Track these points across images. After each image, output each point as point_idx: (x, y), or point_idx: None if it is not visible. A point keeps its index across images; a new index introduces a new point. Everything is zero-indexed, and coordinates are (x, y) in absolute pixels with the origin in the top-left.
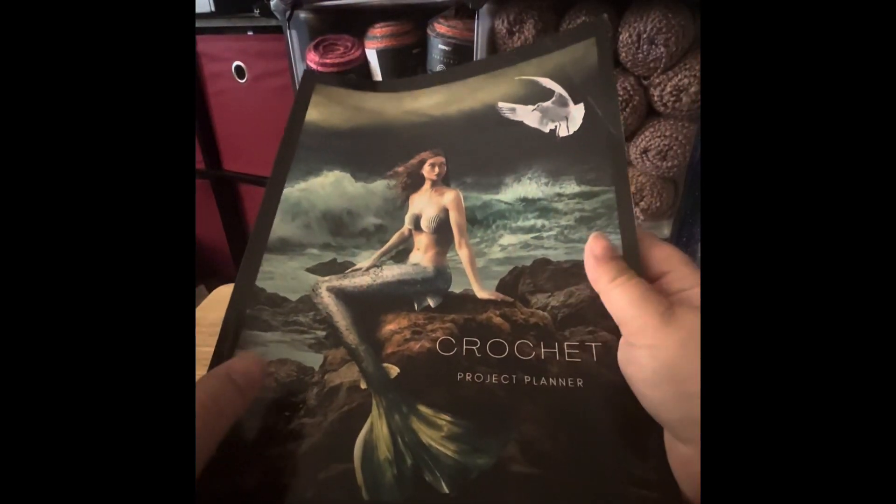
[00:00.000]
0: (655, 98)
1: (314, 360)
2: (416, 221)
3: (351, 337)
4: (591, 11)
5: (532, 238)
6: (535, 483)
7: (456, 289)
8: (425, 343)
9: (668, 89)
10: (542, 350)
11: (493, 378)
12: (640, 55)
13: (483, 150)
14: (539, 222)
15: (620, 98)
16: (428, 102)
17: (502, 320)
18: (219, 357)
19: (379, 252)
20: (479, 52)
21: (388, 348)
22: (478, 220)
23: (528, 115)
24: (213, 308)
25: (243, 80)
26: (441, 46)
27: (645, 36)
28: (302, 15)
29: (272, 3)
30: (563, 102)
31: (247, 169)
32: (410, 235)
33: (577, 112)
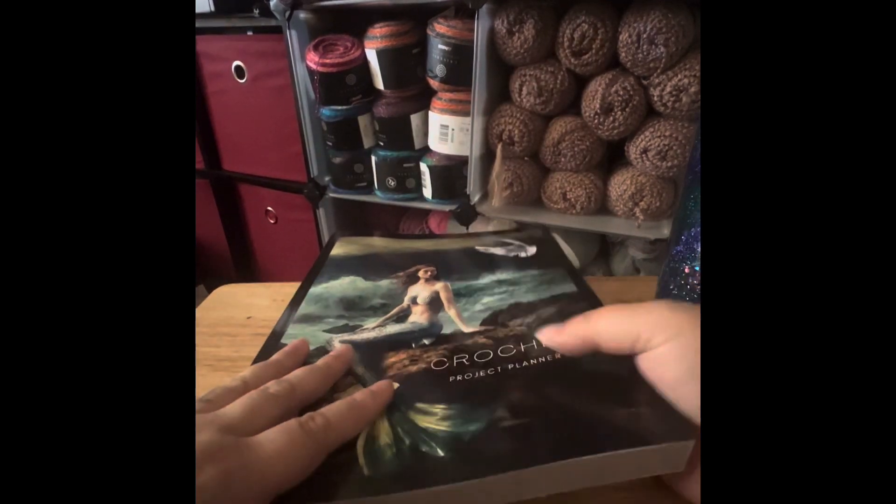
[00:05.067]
0: (655, 98)
1: None
2: (414, 299)
3: (358, 368)
4: (590, 11)
5: (507, 295)
6: (525, 428)
7: (446, 331)
8: (421, 365)
9: (668, 89)
10: (522, 346)
11: (481, 373)
12: (640, 55)
13: (464, 265)
14: (511, 288)
15: (620, 98)
16: (422, 245)
17: (486, 339)
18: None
19: (383, 318)
20: (479, 51)
21: (389, 372)
22: (462, 294)
23: (496, 250)
24: (212, 308)
25: (243, 80)
26: (441, 46)
27: (645, 36)
28: (301, 15)
29: (272, 3)
30: (521, 246)
31: (246, 169)
32: (409, 308)
33: (531, 249)
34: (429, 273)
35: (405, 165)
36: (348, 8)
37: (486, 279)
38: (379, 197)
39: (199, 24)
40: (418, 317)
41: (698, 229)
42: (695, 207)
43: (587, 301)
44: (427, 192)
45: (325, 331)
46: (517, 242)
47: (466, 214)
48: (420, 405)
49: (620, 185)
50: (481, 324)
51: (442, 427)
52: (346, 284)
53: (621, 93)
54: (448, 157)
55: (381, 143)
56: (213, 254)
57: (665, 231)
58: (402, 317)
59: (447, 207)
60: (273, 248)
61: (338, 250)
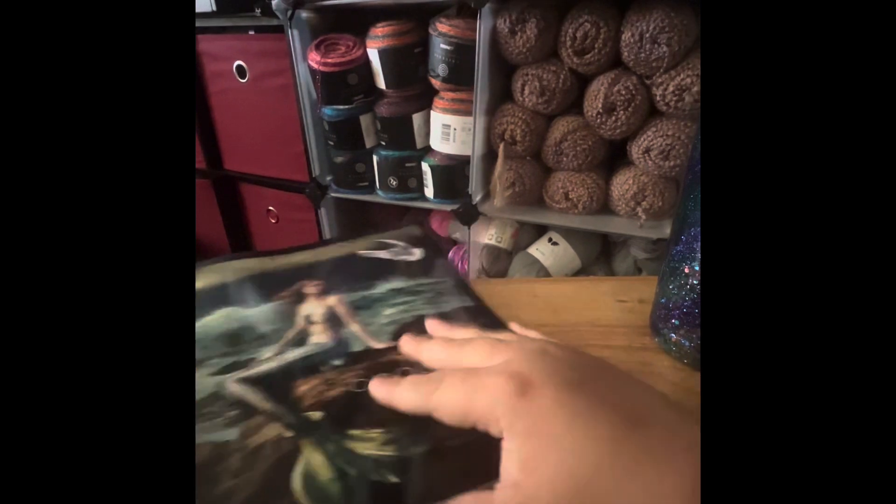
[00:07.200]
0: (658, 97)
1: (230, 434)
2: (308, 319)
3: (266, 405)
4: (592, 10)
5: (408, 306)
6: (471, 448)
7: (356, 349)
8: (340, 388)
9: (671, 89)
10: None
11: None
12: (643, 54)
13: (352, 273)
14: (410, 298)
15: (623, 97)
16: (298, 259)
17: (401, 355)
18: None
19: (280, 343)
20: (482, 51)
21: (305, 402)
22: (361, 306)
23: (381, 254)
24: None
25: (244, 80)
26: (443, 46)
27: (647, 35)
28: (303, 14)
29: (273, 3)
30: (405, 248)
31: (247, 169)
32: (306, 328)
33: (417, 251)
34: (316, 288)
35: (407, 165)
36: (350, 7)
37: (382, 288)
38: (381, 197)
39: (200, 23)
40: (319, 336)
41: (698, 229)
42: (695, 207)
43: (486, 316)
44: (429, 191)
45: (211, 374)
46: (401, 244)
47: (468, 214)
48: (354, 432)
49: (622, 184)
50: (391, 339)
51: (387, 452)
52: (221, 318)
53: (624, 92)
54: (450, 156)
55: (383, 143)
56: (214, 254)
57: (667, 231)
58: (301, 339)
59: (449, 207)
60: (274, 248)
61: (201, 283)
